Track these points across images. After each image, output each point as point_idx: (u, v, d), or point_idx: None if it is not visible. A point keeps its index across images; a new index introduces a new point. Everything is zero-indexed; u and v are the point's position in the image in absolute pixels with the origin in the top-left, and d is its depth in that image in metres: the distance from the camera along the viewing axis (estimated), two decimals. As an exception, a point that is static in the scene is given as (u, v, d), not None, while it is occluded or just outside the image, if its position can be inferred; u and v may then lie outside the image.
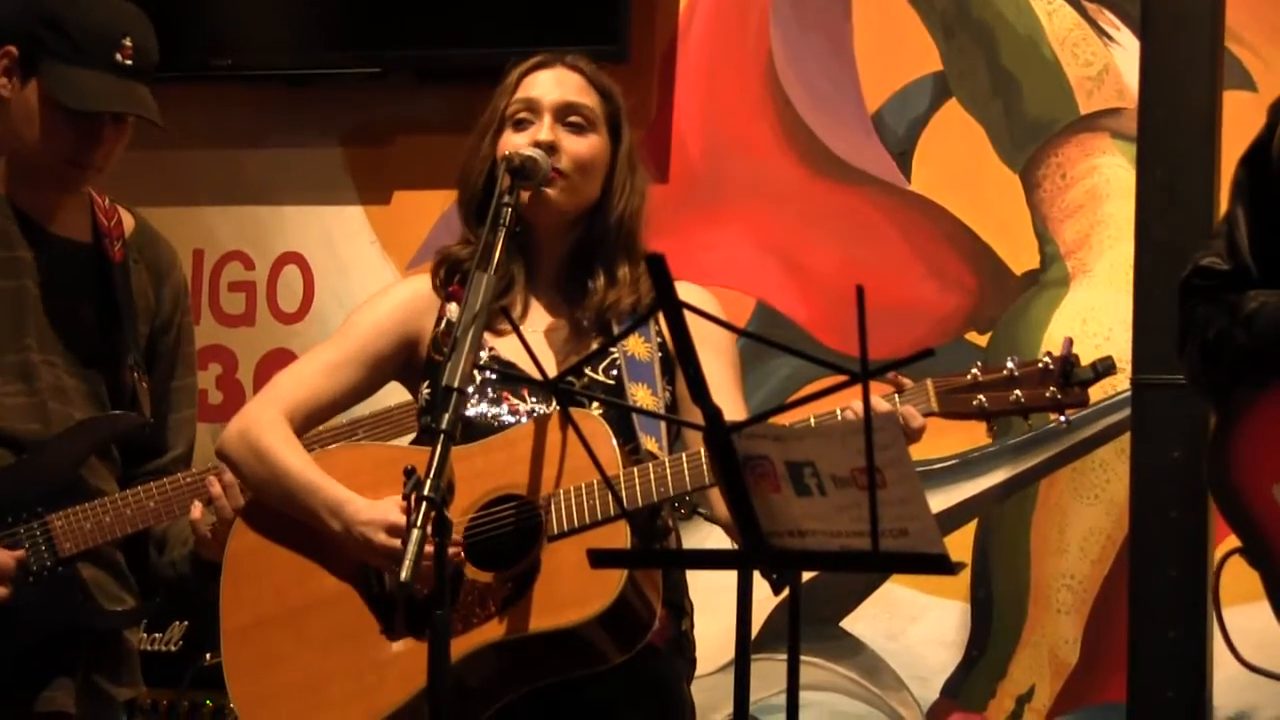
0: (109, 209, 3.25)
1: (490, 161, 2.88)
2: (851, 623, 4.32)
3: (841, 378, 2.00)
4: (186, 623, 4.10)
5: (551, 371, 2.75)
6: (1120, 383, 3.97)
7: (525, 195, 2.80)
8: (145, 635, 4.03)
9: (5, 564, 3.04)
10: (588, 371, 2.86)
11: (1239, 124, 3.65)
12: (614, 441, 2.68)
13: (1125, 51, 4.21)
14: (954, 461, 4.24)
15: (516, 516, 2.73)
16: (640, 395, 2.85)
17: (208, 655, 3.92)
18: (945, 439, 4.14)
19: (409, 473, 2.47)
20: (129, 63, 3.08)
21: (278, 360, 4.63)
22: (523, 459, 2.74)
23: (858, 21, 4.40)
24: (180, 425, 3.30)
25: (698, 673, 2.94)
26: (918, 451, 2.34)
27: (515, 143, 2.86)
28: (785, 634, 2.21)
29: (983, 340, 4.28)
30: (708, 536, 3.42)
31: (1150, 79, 4.02)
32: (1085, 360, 2.68)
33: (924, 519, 1.99)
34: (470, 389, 2.74)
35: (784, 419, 2.19)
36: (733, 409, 2.64)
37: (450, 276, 2.94)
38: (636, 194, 2.93)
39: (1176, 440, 3.90)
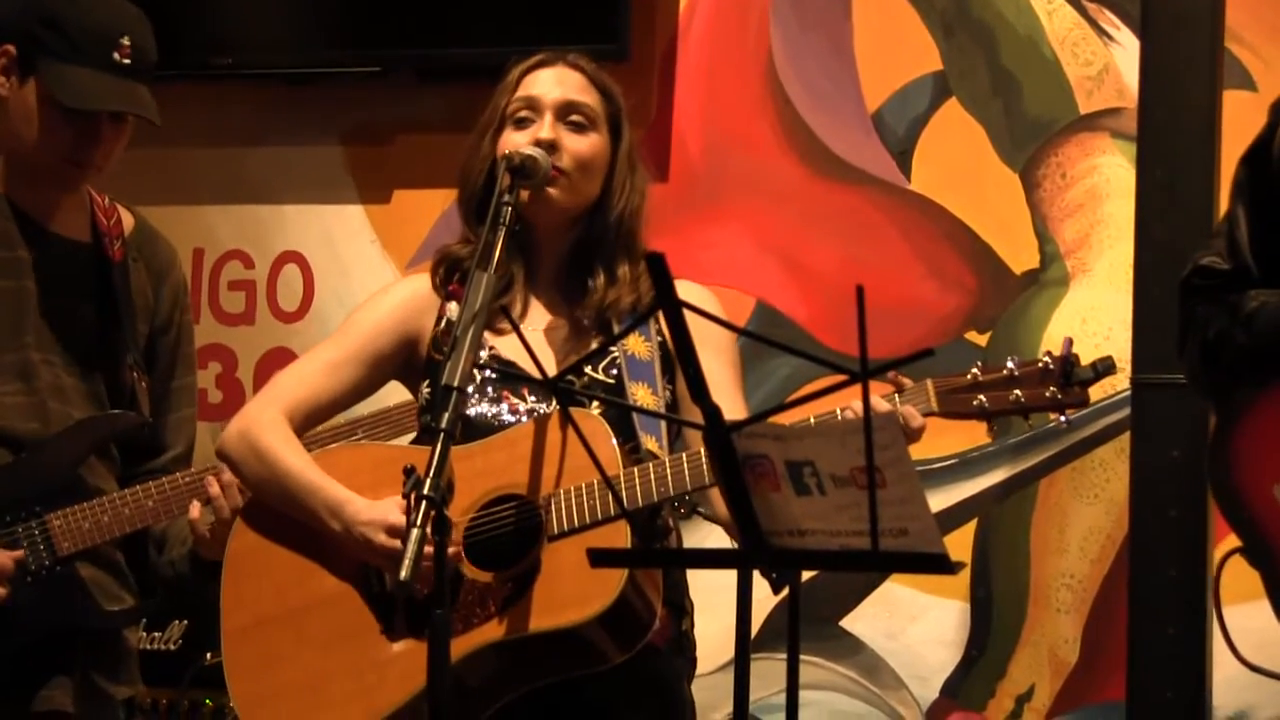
0: (108, 208, 3.25)
1: (491, 160, 2.88)
2: (851, 622, 4.32)
3: (841, 377, 2.00)
4: (186, 622, 4.10)
5: (551, 371, 2.75)
6: (1120, 382, 3.97)
7: (525, 194, 2.80)
8: (145, 634, 4.04)
9: (4, 565, 3.03)
10: (588, 370, 2.86)
11: (1239, 124, 3.65)
12: (614, 441, 2.68)
13: (1125, 51, 4.21)
14: (954, 461, 4.24)
15: (516, 516, 2.73)
16: (640, 394, 2.85)
17: (208, 655, 3.93)
18: (945, 438, 4.14)
19: (408, 472, 2.47)
20: (127, 62, 3.08)
21: (277, 359, 4.63)
22: (523, 458, 2.74)
23: (858, 21, 4.40)
24: (180, 424, 3.30)
25: (697, 672, 2.94)
26: (917, 451, 2.34)
27: (516, 141, 2.86)
28: (785, 633, 2.20)
29: (982, 340, 4.28)
30: (708, 536, 3.42)
31: (1150, 79, 4.02)
32: (1085, 360, 2.68)
33: (924, 518, 1.99)
34: (470, 388, 2.74)
35: (784, 418, 2.18)
36: (733, 408, 2.64)
37: (450, 275, 2.94)
38: (636, 193, 2.93)
39: (1176, 440, 3.90)
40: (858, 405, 2.49)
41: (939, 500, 4.19)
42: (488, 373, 2.84)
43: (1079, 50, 4.26)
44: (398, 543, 2.58)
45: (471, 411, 2.81)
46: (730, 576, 2.14)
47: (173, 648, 4.10)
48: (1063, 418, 2.69)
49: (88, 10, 3.10)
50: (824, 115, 4.42)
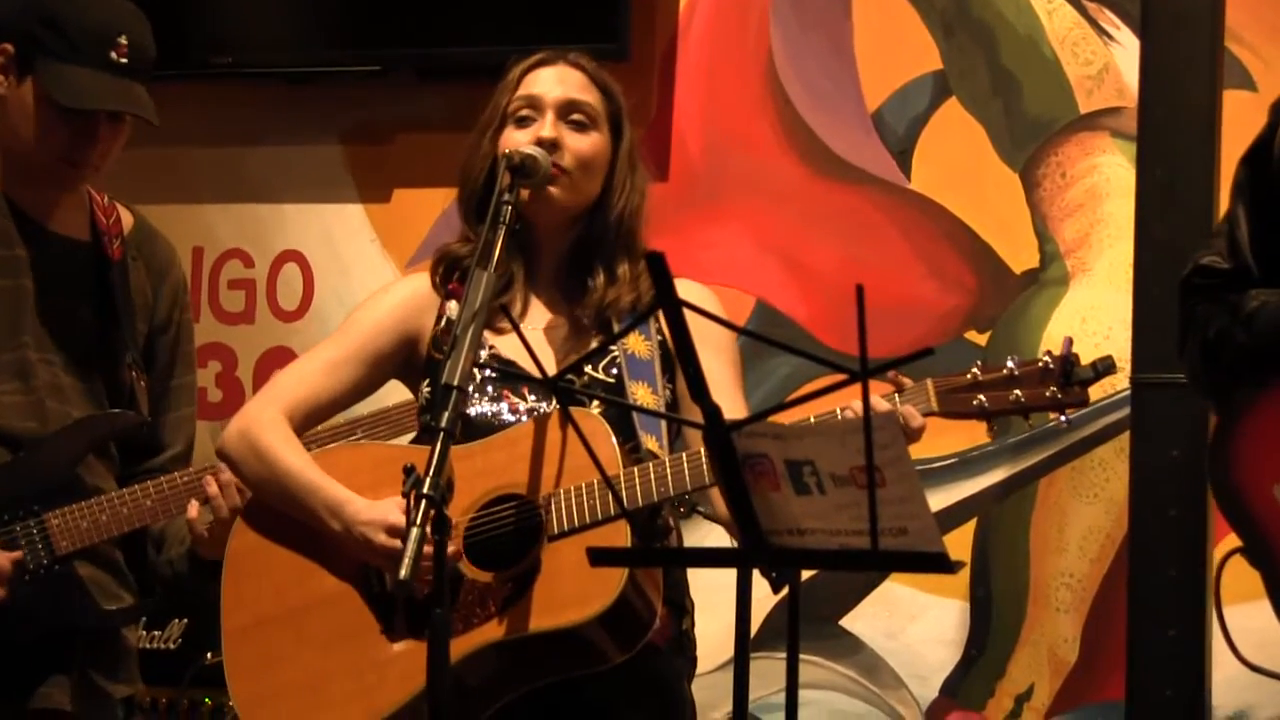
0: (108, 207, 3.25)
1: (491, 159, 2.88)
2: (851, 621, 4.32)
3: (841, 376, 2.00)
4: (185, 621, 4.10)
5: (551, 370, 2.75)
6: (1120, 382, 3.97)
7: (525, 193, 2.80)
8: (144, 633, 4.04)
9: (2, 567, 3.03)
10: (588, 370, 2.86)
11: (1239, 124, 3.65)
12: (614, 440, 2.68)
13: (1125, 51, 4.21)
14: (953, 460, 4.24)
15: (517, 516, 2.72)
16: (640, 393, 2.85)
17: (208, 655, 3.92)
18: (945, 438, 4.14)
19: (408, 470, 2.46)
20: (124, 61, 3.08)
21: (277, 358, 4.63)
22: (523, 458, 2.74)
23: (858, 20, 4.40)
24: (179, 423, 3.29)
25: (697, 671, 2.94)
26: (917, 450, 2.34)
27: (517, 140, 2.86)
28: (784, 632, 2.20)
29: (982, 339, 4.28)
30: (708, 535, 3.42)
31: (1150, 78, 4.02)
32: (1085, 359, 2.68)
33: (923, 518, 1.99)
34: (470, 387, 2.74)
35: (784, 418, 2.18)
36: (733, 407, 2.64)
37: (450, 274, 2.94)
38: (637, 192, 2.93)
39: (1176, 439, 3.90)
40: (857, 405, 2.49)
41: (939, 500, 4.19)
42: (488, 372, 2.84)
43: (1079, 50, 4.26)
44: (398, 543, 2.57)
45: (471, 411, 2.81)
46: (730, 576, 2.14)
47: (172, 646, 4.10)
48: (1063, 417, 2.69)
49: (86, 9, 3.09)
50: (824, 115, 4.41)
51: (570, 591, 2.64)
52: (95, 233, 3.22)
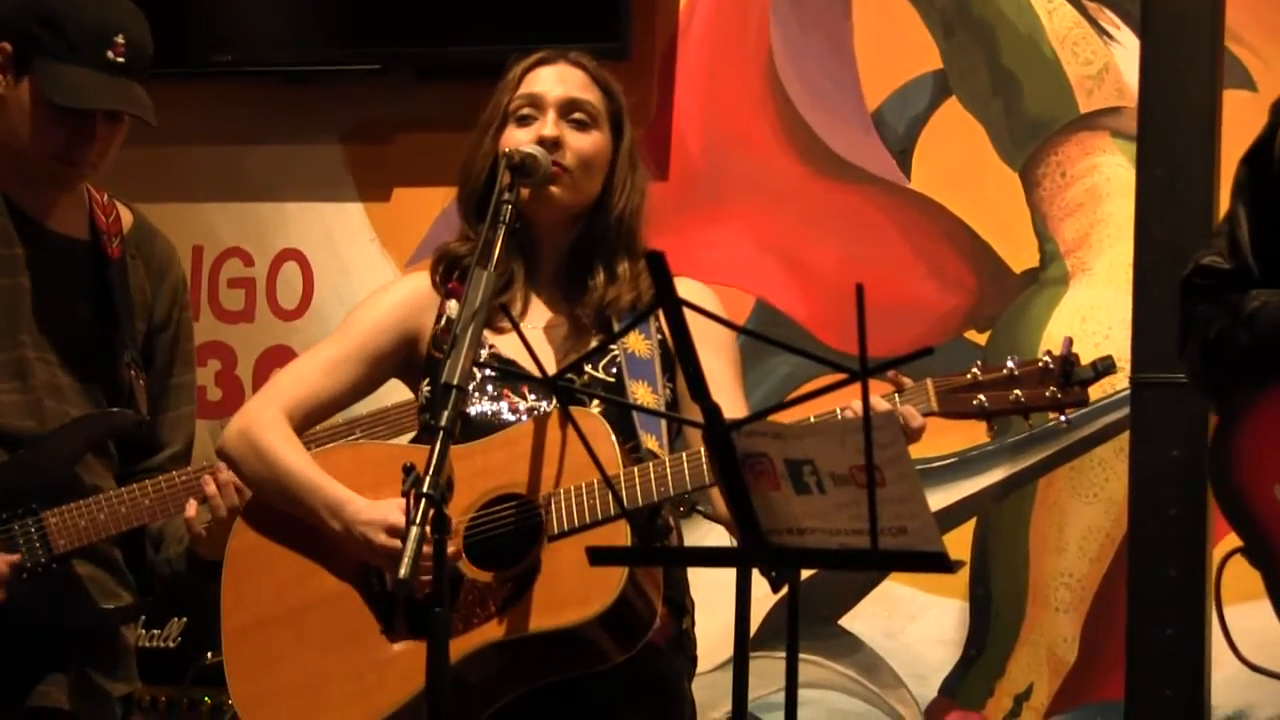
0: (107, 205, 3.25)
1: (492, 157, 2.88)
2: (850, 621, 4.32)
3: (841, 376, 2.00)
4: (185, 619, 4.10)
5: (551, 369, 2.75)
6: (1119, 381, 3.97)
7: (526, 192, 2.80)
8: (143, 631, 4.04)
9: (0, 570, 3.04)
10: (588, 369, 2.86)
11: (1239, 124, 3.65)
12: (614, 440, 2.68)
13: (1125, 50, 4.21)
14: (953, 460, 4.24)
15: (517, 516, 2.72)
16: (641, 393, 2.84)
17: (209, 654, 3.92)
18: (944, 437, 4.14)
19: (408, 469, 2.46)
20: (121, 60, 3.07)
21: (277, 357, 4.63)
22: (523, 458, 2.74)
23: (858, 20, 4.40)
24: (178, 422, 3.29)
25: (697, 670, 2.93)
26: (917, 450, 2.34)
27: (518, 139, 2.86)
28: (784, 632, 2.20)
29: (982, 339, 4.28)
30: (708, 534, 3.42)
31: (1150, 78, 4.02)
32: (1085, 359, 2.68)
33: (923, 517, 1.99)
34: (470, 386, 2.73)
35: (783, 417, 2.18)
36: (733, 407, 2.63)
37: (450, 273, 2.94)
38: (637, 191, 2.93)
39: (1176, 439, 3.90)
40: (857, 404, 2.49)
41: (938, 499, 4.19)
42: (487, 371, 2.84)
43: (1079, 49, 4.26)
44: (398, 542, 2.57)
45: (471, 410, 2.81)
46: (730, 575, 2.14)
47: (171, 645, 4.09)
48: (1063, 417, 2.68)
49: (84, 8, 3.09)
50: (824, 114, 4.41)
51: (570, 591, 2.64)
52: (94, 231, 3.21)
